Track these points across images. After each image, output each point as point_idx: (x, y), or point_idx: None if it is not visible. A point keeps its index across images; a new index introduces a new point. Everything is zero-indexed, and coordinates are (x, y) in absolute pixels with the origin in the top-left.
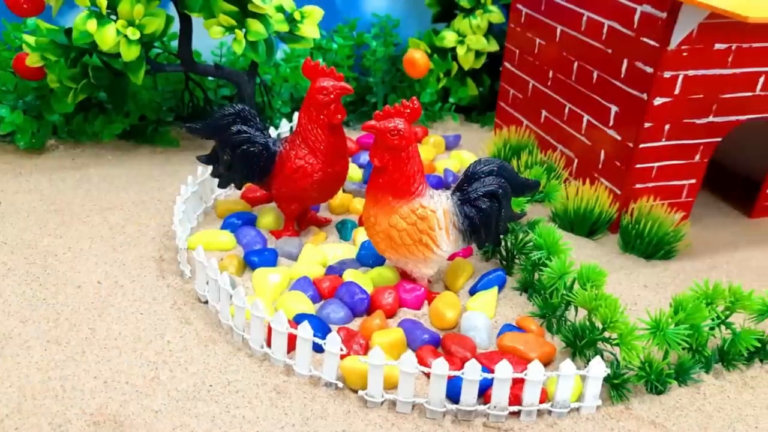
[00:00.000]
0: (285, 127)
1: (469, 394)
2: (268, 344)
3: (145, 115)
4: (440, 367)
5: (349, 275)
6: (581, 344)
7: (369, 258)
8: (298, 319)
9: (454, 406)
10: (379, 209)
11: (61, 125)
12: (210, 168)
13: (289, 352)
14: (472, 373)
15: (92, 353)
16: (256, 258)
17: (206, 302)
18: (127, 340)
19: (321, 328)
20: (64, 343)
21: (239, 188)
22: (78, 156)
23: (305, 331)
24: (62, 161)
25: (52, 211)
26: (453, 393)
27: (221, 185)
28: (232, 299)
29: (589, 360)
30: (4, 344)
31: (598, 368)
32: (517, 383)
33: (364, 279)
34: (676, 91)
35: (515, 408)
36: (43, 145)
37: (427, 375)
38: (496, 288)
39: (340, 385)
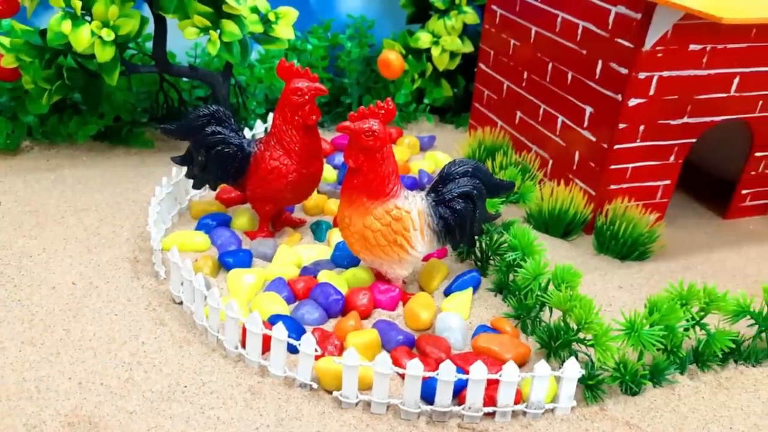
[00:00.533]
0: (259, 128)
1: (443, 395)
2: (243, 345)
3: (120, 116)
4: (415, 368)
5: (323, 276)
6: (556, 345)
7: (344, 259)
8: (272, 320)
9: (428, 407)
10: (353, 210)
11: (35, 126)
12: (184, 169)
13: (263, 353)
14: (446, 374)
15: (67, 354)
16: (231, 259)
17: (181, 303)
18: (101, 341)
19: (296, 329)
20: (39, 344)
21: (214, 189)
22: (53, 157)
23: (280, 332)
24: (37, 162)
25: (27, 212)
26: (428, 394)
27: (196, 186)
28: (207, 300)
29: (563, 361)
30: None
31: (572, 369)
32: (492, 384)
33: (339, 280)
34: (651, 92)
35: (490, 409)
36: (18, 146)
37: (402, 376)
38: (470, 289)
39: (315, 386)
